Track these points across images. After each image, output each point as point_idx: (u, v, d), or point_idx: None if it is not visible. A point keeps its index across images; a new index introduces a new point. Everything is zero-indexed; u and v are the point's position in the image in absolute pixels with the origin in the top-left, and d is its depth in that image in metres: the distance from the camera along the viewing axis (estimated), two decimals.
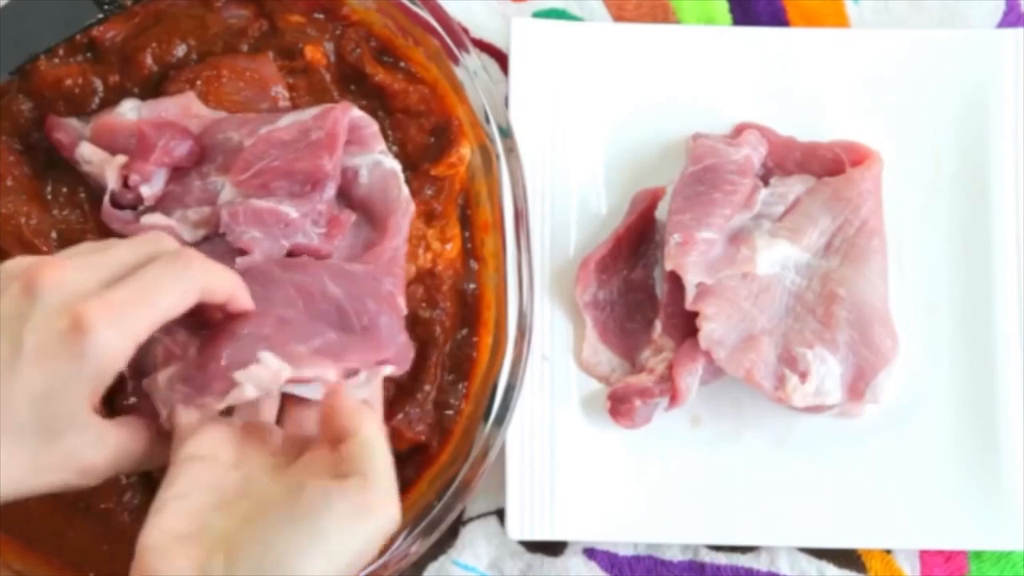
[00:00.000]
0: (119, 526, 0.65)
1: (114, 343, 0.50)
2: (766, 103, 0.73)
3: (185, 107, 0.65)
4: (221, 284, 0.54)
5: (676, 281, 0.69)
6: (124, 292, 0.51)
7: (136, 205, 0.65)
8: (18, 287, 0.50)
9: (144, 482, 0.65)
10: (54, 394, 0.49)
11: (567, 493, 0.69)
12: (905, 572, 0.71)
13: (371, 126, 0.65)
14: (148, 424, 0.54)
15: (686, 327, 0.68)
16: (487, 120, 0.67)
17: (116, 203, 0.64)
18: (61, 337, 0.49)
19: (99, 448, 0.52)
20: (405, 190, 0.65)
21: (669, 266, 0.68)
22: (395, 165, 0.65)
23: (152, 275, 0.52)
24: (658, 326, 0.69)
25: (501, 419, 0.65)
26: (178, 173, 0.65)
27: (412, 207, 0.65)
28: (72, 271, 0.50)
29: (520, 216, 0.66)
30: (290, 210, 0.63)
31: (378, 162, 0.65)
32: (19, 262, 0.51)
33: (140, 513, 0.65)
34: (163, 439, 0.54)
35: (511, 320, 0.65)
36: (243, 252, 0.62)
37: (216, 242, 0.64)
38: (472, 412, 0.66)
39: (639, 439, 0.70)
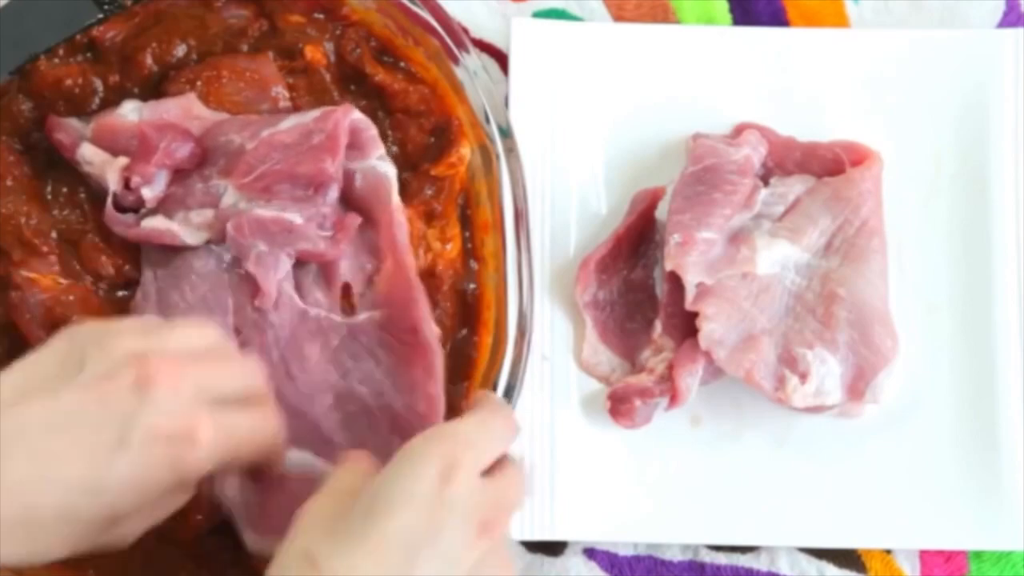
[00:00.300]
0: None
1: (213, 458, 0.52)
2: (766, 103, 0.73)
3: (186, 108, 0.65)
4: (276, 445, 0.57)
5: (676, 281, 0.69)
6: (237, 422, 0.53)
7: (138, 208, 0.65)
8: (132, 378, 0.50)
9: None
10: (141, 489, 0.51)
11: (567, 493, 0.69)
12: (905, 572, 0.71)
13: (370, 129, 0.65)
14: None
15: (686, 327, 0.68)
16: (487, 120, 0.67)
17: (118, 206, 0.64)
18: (171, 440, 0.50)
19: (137, 533, 0.53)
20: (396, 198, 0.65)
21: (669, 266, 0.68)
22: (390, 170, 0.65)
23: (267, 419, 0.56)
24: (658, 326, 0.69)
25: None
26: (180, 175, 0.65)
27: (403, 217, 0.65)
28: (191, 380, 0.51)
29: (520, 216, 0.66)
30: (294, 216, 0.63)
31: (373, 167, 0.65)
32: (126, 340, 0.52)
33: None
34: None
35: (511, 320, 0.65)
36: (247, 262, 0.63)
37: (220, 249, 0.64)
38: None
39: (639, 439, 0.70)
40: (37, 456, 0.49)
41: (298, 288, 0.65)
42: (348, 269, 0.65)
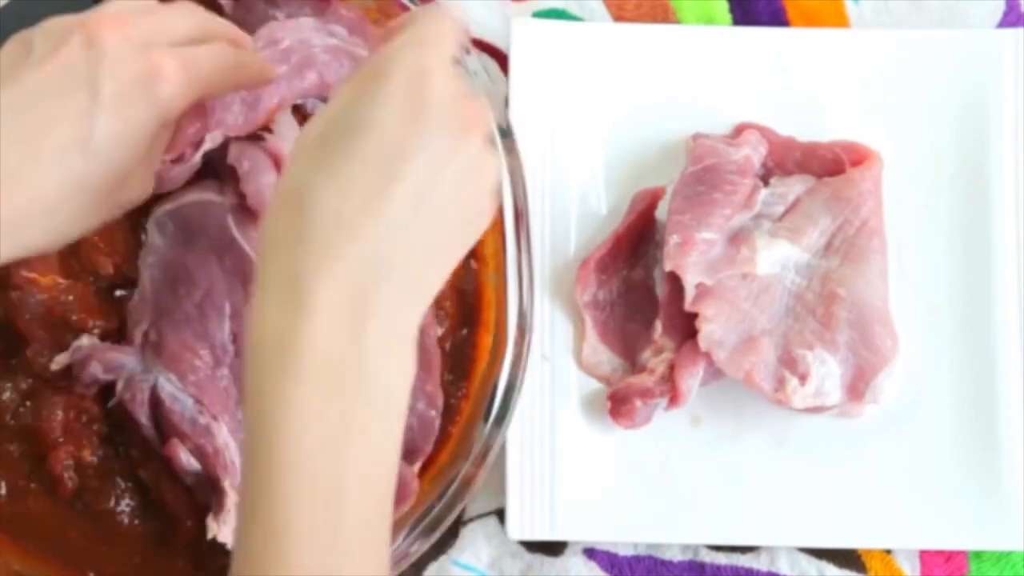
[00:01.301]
0: (117, 527, 0.65)
1: (184, 92, 0.53)
2: (766, 103, 0.73)
3: None
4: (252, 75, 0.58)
5: (676, 281, 0.68)
6: (197, 53, 0.54)
7: None
8: (80, 39, 0.51)
9: (139, 487, 0.65)
10: (130, 140, 0.51)
11: (567, 493, 0.69)
12: (905, 572, 0.71)
13: None
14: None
15: (686, 328, 0.68)
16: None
17: None
18: (139, 82, 0.51)
19: (147, 188, 0.56)
20: None
21: (669, 266, 0.68)
22: None
23: (226, 48, 0.56)
24: (659, 326, 0.69)
25: (501, 419, 0.65)
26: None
27: None
28: (137, 28, 0.52)
29: (520, 216, 0.66)
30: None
31: None
32: (65, 19, 0.52)
33: (136, 515, 0.65)
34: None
35: (511, 320, 0.65)
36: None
37: (219, 249, 0.65)
38: (472, 412, 0.66)
39: (639, 439, 0.70)
40: (23, 140, 0.50)
41: None
42: None
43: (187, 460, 0.63)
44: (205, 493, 0.63)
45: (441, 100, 0.48)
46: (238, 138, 0.65)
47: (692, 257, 0.67)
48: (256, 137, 0.66)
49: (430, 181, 0.47)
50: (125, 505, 0.65)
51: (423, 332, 0.65)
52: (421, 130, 0.47)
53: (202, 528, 0.63)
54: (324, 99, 0.66)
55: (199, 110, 0.61)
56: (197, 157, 0.62)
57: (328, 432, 0.45)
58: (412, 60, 0.48)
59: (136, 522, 0.65)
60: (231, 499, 0.62)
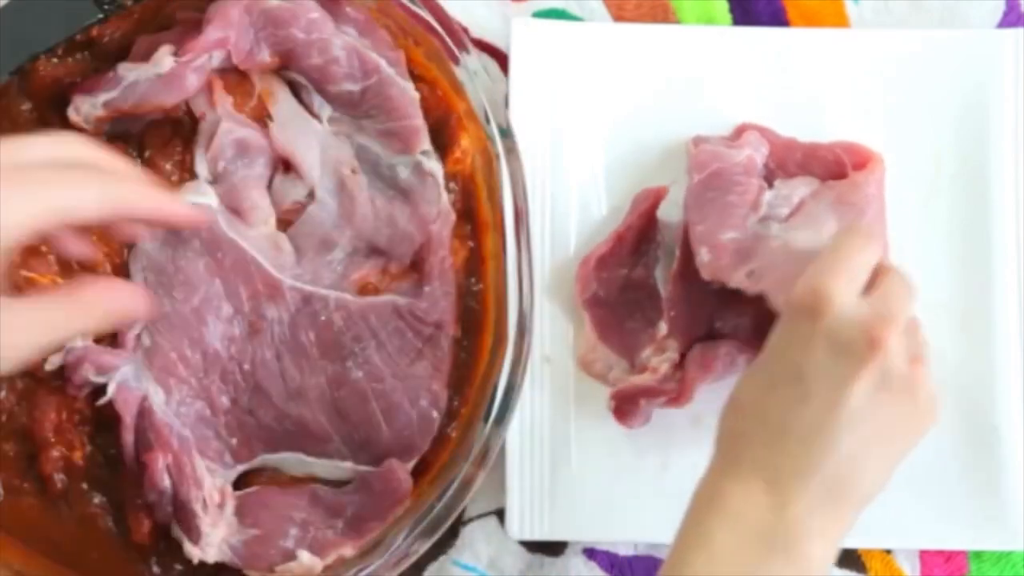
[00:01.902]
0: (99, 531, 0.65)
1: (14, 214, 0.49)
2: (766, 103, 0.73)
3: None
4: (145, 209, 0.54)
5: (682, 283, 0.68)
6: (39, 172, 0.50)
7: None
8: None
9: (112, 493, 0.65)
10: None
11: (567, 493, 0.69)
12: (905, 572, 0.71)
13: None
14: (61, 299, 0.53)
15: (694, 328, 0.68)
16: (487, 120, 0.66)
17: None
18: None
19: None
20: (444, 196, 0.66)
21: (707, 276, 0.67)
22: (436, 168, 0.66)
23: (76, 171, 0.52)
24: (663, 327, 0.69)
25: (501, 419, 0.65)
26: None
27: (453, 214, 0.66)
28: None
29: (520, 216, 0.66)
30: None
31: (419, 164, 0.66)
32: None
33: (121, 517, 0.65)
34: (76, 313, 0.53)
35: (511, 320, 0.65)
36: None
37: (214, 247, 0.65)
38: (472, 412, 0.66)
39: (639, 439, 0.70)
40: None
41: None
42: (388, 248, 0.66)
43: (161, 475, 0.63)
44: (163, 513, 0.63)
45: (900, 372, 0.55)
46: (238, 122, 0.65)
47: (724, 260, 0.67)
48: (259, 122, 0.66)
49: (878, 432, 0.55)
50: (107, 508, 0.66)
51: (441, 330, 0.65)
52: (880, 400, 0.55)
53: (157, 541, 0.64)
54: (320, 86, 0.66)
55: (224, 18, 0.63)
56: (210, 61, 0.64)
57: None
58: (876, 333, 0.55)
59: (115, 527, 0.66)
60: (204, 522, 0.62)
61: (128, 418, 0.63)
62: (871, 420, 0.55)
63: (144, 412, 0.63)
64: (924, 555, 0.71)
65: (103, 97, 0.64)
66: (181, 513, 0.62)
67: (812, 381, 0.55)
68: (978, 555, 0.71)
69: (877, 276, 0.58)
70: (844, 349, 0.54)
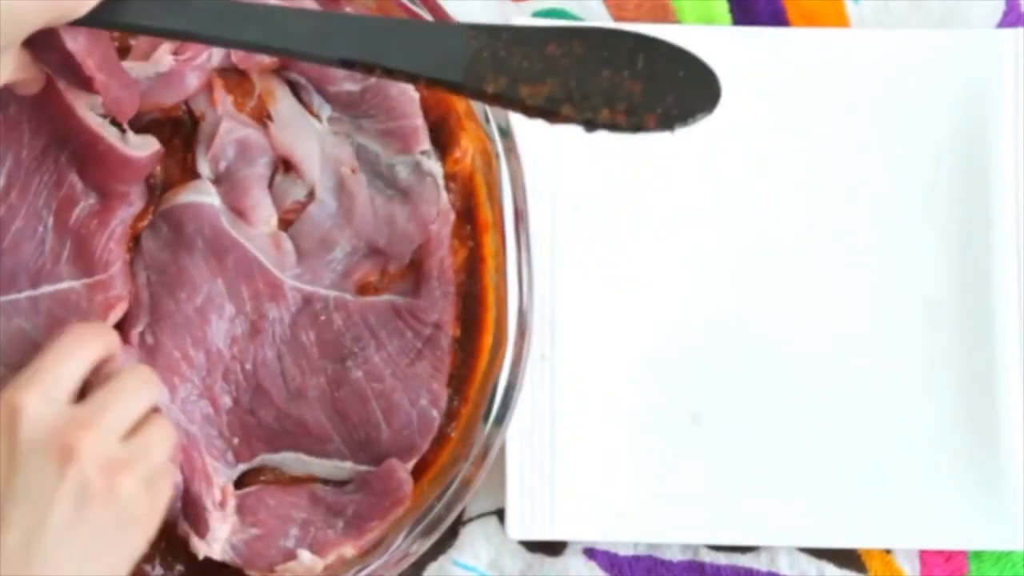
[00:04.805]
0: None
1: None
2: (766, 103, 0.73)
3: None
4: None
5: None
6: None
7: None
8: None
9: None
10: None
11: (567, 493, 0.70)
12: (905, 572, 0.71)
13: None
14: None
15: None
16: (487, 120, 0.66)
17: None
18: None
19: None
20: (444, 196, 0.66)
21: None
22: (436, 168, 0.66)
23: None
24: None
25: (501, 419, 0.65)
26: None
27: (452, 214, 0.66)
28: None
29: (520, 216, 0.66)
30: None
31: (418, 163, 0.66)
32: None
33: None
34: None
35: (511, 320, 0.65)
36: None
37: (216, 248, 0.65)
38: (472, 412, 0.66)
39: (639, 439, 0.70)
40: None
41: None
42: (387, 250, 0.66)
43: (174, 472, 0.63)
44: (170, 509, 0.63)
45: (97, 484, 0.51)
46: (239, 121, 0.65)
47: None
48: (259, 122, 0.66)
49: (86, 555, 0.51)
50: None
51: (440, 330, 0.65)
52: (83, 519, 0.51)
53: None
54: (319, 86, 0.66)
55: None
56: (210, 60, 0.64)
57: None
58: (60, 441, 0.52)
59: None
60: (213, 516, 0.62)
61: None
62: (77, 543, 0.51)
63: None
64: (924, 555, 0.71)
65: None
66: (191, 508, 0.62)
67: (9, 505, 0.50)
68: (978, 555, 0.71)
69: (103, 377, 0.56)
70: (37, 465, 0.51)
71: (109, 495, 0.52)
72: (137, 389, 0.56)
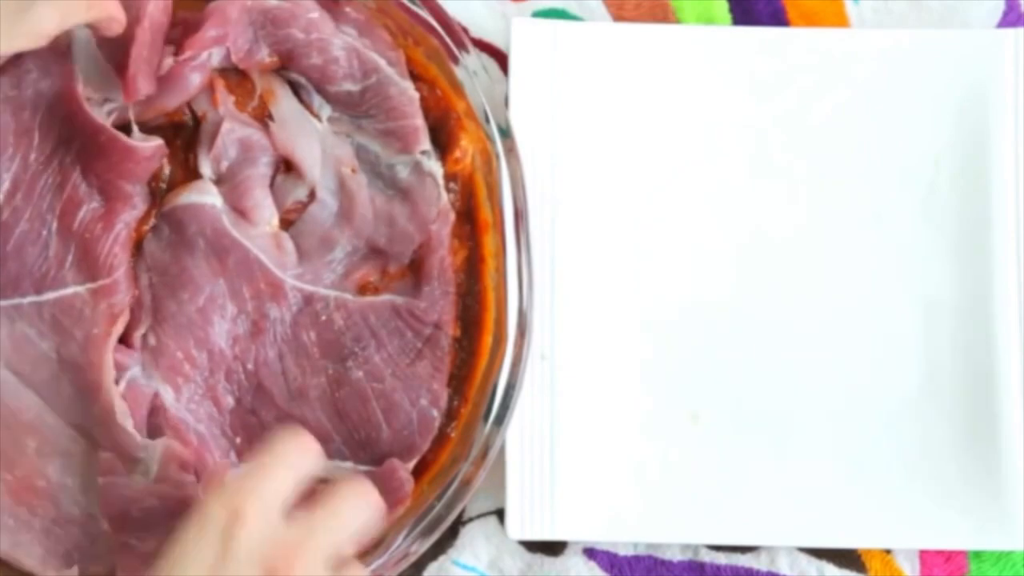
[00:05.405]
0: None
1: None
2: (766, 103, 0.73)
3: None
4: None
5: None
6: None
7: None
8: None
9: None
10: None
11: (567, 493, 0.69)
12: (905, 572, 0.71)
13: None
14: None
15: None
16: (487, 120, 0.67)
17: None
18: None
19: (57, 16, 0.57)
20: (444, 196, 0.66)
21: None
22: (436, 168, 0.66)
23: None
24: None
25: (501, 419, 0.65)
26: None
27: (452, 214, 0.66)
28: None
29: (520, 216, 0.66)
30: None
31: (419, 163, 0.66)
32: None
33: None
34: None
35: (511, 320, 0.65)
36: None
37: (217, 248, 0.65)
38: (472, 412, 0.66)
39: (639, 439, 0.70)
40: None
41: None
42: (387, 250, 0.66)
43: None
44: None
45: (249, 545, 0.50)
46: (240, 121, 0.65)
47: None
48: (260, 122, 0.66)
49: None
50: None
51: (440, 330, 0.65)
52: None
53: None
54: (320, 86, 0.66)
55: (222, 16, 0.63)
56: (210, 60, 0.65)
57: None
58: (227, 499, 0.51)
59: None
60: None
61: (139, 415, 0.63)
62: None
63: (156, 410, 0.64)
64: (924, 555, 0.71)
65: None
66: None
67: None
68: (978, 555, 0.71)
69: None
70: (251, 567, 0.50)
71: None
72: (355, 509, 0.55)
